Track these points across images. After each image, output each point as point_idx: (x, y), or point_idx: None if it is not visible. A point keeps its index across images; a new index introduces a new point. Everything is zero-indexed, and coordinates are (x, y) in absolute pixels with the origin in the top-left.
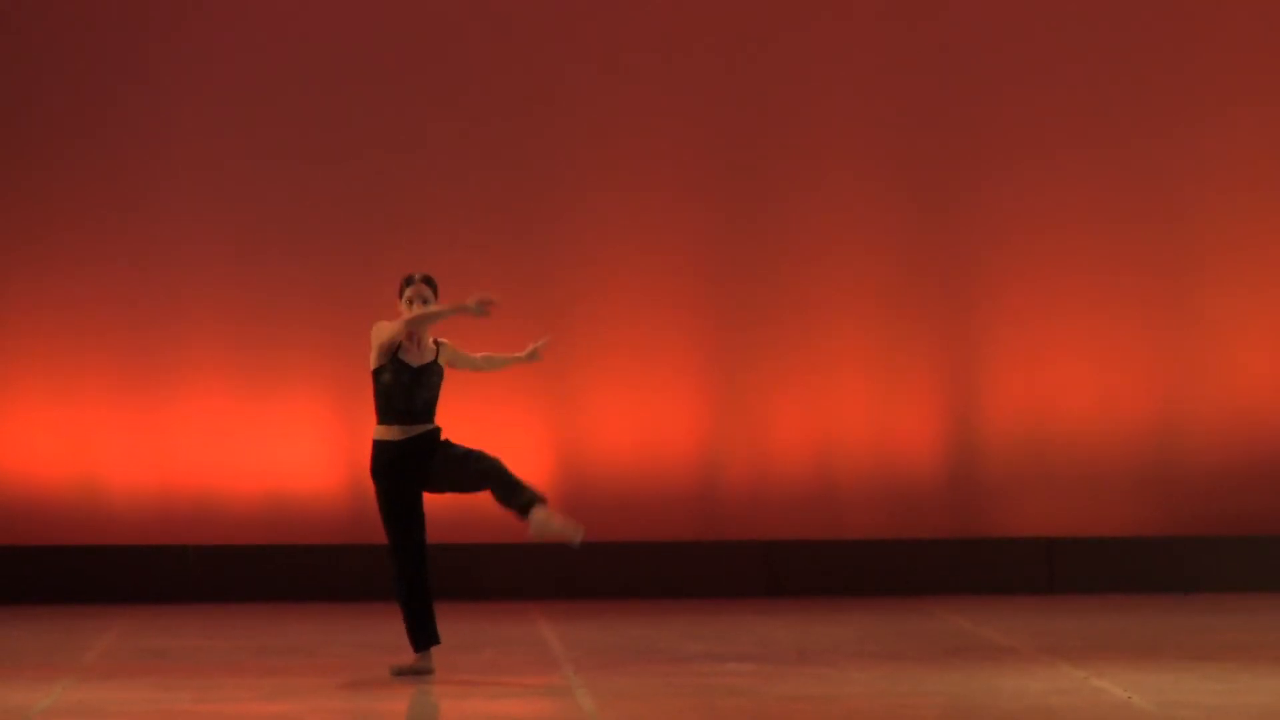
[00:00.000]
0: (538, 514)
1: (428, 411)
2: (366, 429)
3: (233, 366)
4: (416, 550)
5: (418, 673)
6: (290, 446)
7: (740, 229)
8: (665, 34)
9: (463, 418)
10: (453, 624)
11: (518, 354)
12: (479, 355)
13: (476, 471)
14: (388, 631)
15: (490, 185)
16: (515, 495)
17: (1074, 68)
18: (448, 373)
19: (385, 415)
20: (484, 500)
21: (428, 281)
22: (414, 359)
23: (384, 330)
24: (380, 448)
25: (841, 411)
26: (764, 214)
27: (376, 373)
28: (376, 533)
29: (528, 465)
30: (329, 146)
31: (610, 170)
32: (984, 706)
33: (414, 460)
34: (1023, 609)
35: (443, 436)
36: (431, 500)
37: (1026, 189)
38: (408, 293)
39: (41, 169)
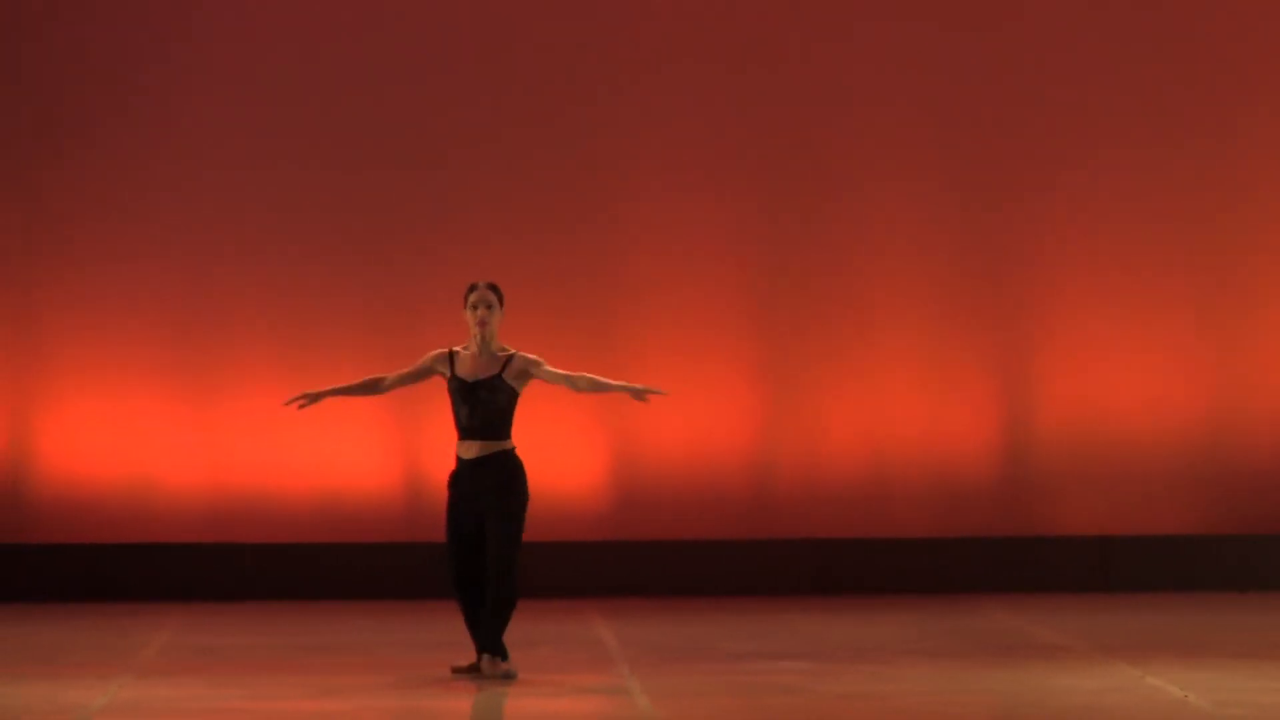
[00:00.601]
0: (495, 665)
1: (484, 430)
2: (420, 427)
3: (286, 364)
4: (460, 562)
5: (504, 676)
6: (344, 445)
7: (792, 230)
8: (715, 37)
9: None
10: (510, 622)
11: (631, 385)
12: (577, 375)
13: (495, 555)
14: (442, 629)
15: (541, 187)
16: (498, 626)
17: (1126, 67)
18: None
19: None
20: (536, 498)
21: (492, 288)
22: (467, 373)
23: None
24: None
25: (893, 410)
26: (815, 215)
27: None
28: (430, 531)
29: (581, 465)
30: (378, 148)
31: (661, 172)
32: (1036, 705)
33: (469, 479)
34: (1075, 607)
35: (508, 475)
36: None
37: (1076, 189)
38: (471, 298)
39: (93, 165)
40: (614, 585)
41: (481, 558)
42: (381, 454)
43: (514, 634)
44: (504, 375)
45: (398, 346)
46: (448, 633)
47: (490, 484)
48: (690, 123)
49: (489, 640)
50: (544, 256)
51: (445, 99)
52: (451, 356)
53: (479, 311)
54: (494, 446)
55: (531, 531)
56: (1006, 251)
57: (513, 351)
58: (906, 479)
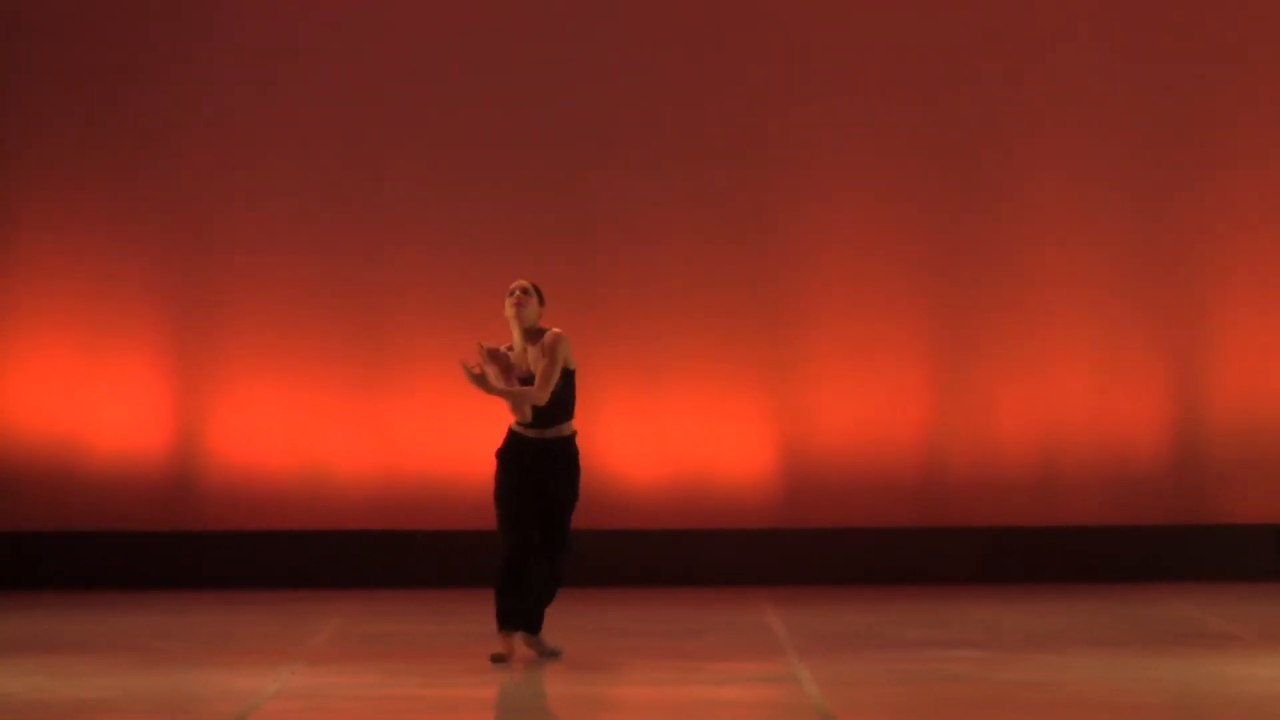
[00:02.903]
0: (539, 642)
1: (540, 418)
2: (590, 418)
3: (456, 353)
4: (518, 541)
5: (545, 654)
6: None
7: (962, 222)
8: (877, 41)
9: (689, 410)
10: (678, 610)
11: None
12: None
13: (557, 545)
14: (610, 616)
15: (714, 190)
16: (539, 610)
17: None
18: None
19: None
20: (706, 486)
21: (526, 291)
22: (525, 368)
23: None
24: (509, 434)
25: (1064, 398)
26: (983, 208)
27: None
28: (594, 518)
29: (751, 454)
30: (561, 149)
31: (832, 173)
32: (1210, 693)
33: (527, 459)
34: (1249, 596)
35: (574, 459)
36: (656, 485)
37: (1248, 179)
38: (508, 300)
39: (268, 154)
40: (783, 573)
41: (532, 531)
42: None
43: (681, 622)
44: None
45: (578, 341)
46: (609, 619)
47: (552, 468)
48: (856, 127)
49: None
50: (718, 258)
51: (623, 103)
52: (504, 353)
53: (510, 309)
54: (536, 431)
55: (703, 519)
56: (1178, 239)
57: (544, 329)
58: (1077, 466)
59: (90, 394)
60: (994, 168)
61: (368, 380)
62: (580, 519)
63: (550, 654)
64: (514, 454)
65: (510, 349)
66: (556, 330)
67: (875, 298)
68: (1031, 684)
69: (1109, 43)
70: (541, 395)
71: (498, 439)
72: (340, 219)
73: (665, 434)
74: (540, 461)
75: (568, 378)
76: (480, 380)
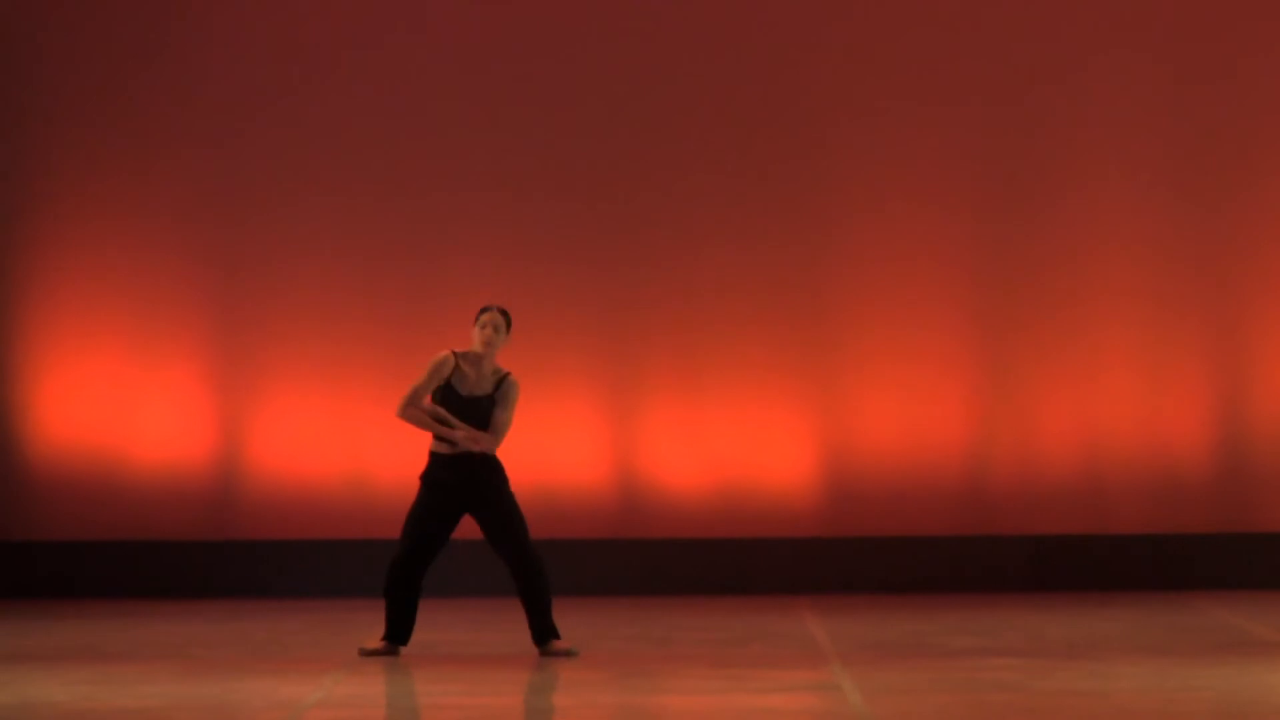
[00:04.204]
0: (555, 645)
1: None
2: (633, 426)
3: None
4: (423, 555)
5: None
6: (559, 442)
7: (1003, 233)
8: (926, 50)
9: (733, 418)
10: (721, 618)
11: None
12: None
13: (511, 540)
14: (654, 625)
15: (764, 199)
16: (545, 613)
17: None
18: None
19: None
20: (750, 495)
21: (503, 313)
22: (465, 389)
23: (436, 360)
24: (431, 458)
25: (1109, 407)
26: (1029, 216)
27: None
28: (638, 527)
29: (794, 462)
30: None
31: (876, 182)
32: (1255, 702)
33: (455, 480)
34: None
35: (504, 472)
36: (700, 494)
37: None
38: (482, 318)
39: (317, 160)
40: (827, 581)
41: (440, 546)
42: (592, 452)
43: (725, 630)
44: (496, 395)
45: (620, 351)
46: (652, 627)
47: (467, 472)
48: (900, 134)
49: (549, 621)
50: (761, 267)
51: (669, 111)
52: (457, 363)
53: (485, 331)
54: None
55: (746, 528)
56: (1222, 249)
57: (505, 372)
58: (1123, 475)
59: (133, 403)
60: (1040, 177)
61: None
62: (624, 528)
63: (566, 653)
64: (430, 471)
65: (459, 358)
66: (514, 378)
67: (919, 305)
68: (1076, 693)
69: (1158, 53)
70: (495, 444)
71: (540, 449)
72: (385, 226)
73: (709, 442)
74: (455, 475)
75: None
76: (440, 421)
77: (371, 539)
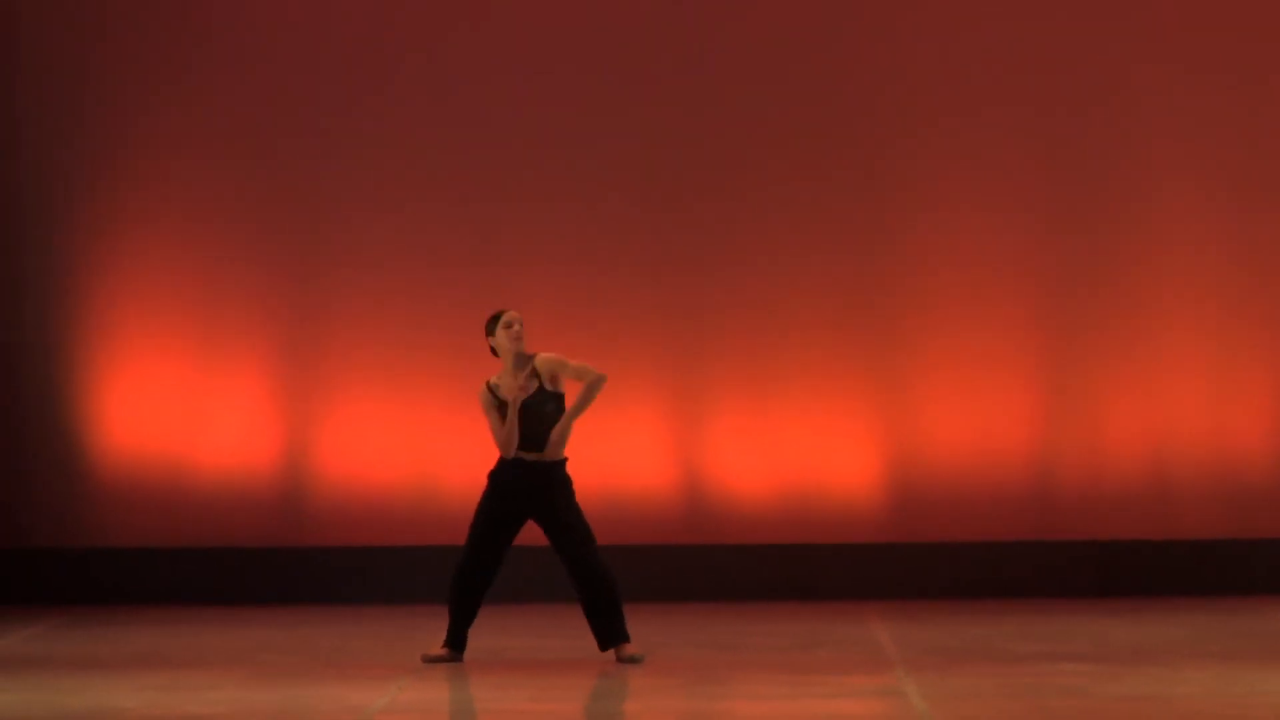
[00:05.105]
0: (626, 650)
1: (525, 443)
2: (699, 432)
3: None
4: (486, 561)
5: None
6: (625, 448)
7: (1069, 238)
8: (993, 58)
9: (799, 424)
10: (787, 624)
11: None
12: (587, 374)
13: (579, 549)
14: (719, 630)
15: (833, 204)
16: (616, 619)
17: None
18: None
19: None
20: (816, 500)
21: (520, 324)
22: (506, 394)
23: (483, 400)
24: (500, 460)
25: (1176, 411)
26: (1095, 222)
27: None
28: (703, 532)
29: (860, 467)
30: (642, 152)
31: (943, 188)
32: None
33: (520, 484)
34: None
35: (570, 482)
36: (766, 499)
37: None
38: (506, 318)
39: (381, 167)
40: (893, 587)
41: (494, 563)
42: (657, 458)
43: (791, 636)
44: (544, 387)
45: (684, 361)
46: (718, 633)
47: (528, 476)
48: (973, 138)
49: (621, 624)
50: (828, 273)
51: (737, 119)
52: (493, 390)
53: (514, 330)
54: (527, 455)
55: (813, 533)
56: None
57: (531, 357)
58: (1190, 479)
59: (200, 410)
60: (1106, 183)
61: (473, 395)
62: (690, 533)
63: (632, 659)
64: (493, 474)
65: (492, 388)
66: (541, 354)
67: (985, 310)
68: (1143, 698)
69: (1224, 57)
70: (600, 376)
71: (607, 455)
72: (452, 234)
73: (775, 448)
74: (516, 479)
75: (559, 400)
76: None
77: (438, 545)
